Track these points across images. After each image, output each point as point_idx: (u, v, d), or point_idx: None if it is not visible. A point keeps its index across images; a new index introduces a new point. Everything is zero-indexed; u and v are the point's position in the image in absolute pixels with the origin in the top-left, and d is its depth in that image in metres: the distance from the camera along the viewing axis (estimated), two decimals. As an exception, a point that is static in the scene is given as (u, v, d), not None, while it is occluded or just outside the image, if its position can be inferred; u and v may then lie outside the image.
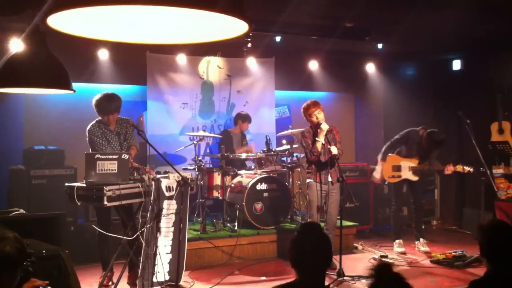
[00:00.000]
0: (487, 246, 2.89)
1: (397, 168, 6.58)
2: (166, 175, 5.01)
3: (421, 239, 6.73)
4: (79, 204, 4.64)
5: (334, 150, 5.52)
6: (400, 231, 6.78)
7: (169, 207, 4.88)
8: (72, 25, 2.04)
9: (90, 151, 5.10)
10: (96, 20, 2.07)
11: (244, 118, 7.53)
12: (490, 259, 2.86)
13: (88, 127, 5.19)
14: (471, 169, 6.24)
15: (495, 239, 2.86)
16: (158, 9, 1.90)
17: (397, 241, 6.68)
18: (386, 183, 6.79)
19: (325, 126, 5.58)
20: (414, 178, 6.54)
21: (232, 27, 2.06)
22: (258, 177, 6.54)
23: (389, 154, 6.63)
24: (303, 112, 5.82)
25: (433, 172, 6.56)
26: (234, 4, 1.86)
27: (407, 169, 6.54)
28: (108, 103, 5.09)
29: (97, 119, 5.23)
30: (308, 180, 5.83)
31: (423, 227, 6.93)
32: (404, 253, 6.52)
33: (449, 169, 6.32)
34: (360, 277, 5.33)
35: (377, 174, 6.72)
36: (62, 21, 1.95)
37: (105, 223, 5.07)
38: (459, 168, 6.27)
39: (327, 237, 2.64)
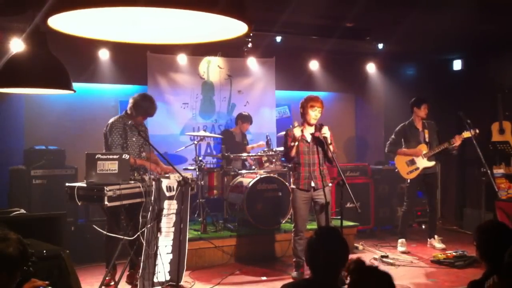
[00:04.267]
0: (486, 247, 2.90)
1: (411, 162, 6.62)
2: (167, 175, 5.01)
3: (435, 236, 6.80)
4: (79, 204, 4.64)
5: (325, 131, 5.21)
6: (405, 230, 6.83)
7: (170, 207, 4.89)
8: (73, 25, 2.04)
9: (104, 149, 5.10)
10: (97, 20, 2.07)
11: (244, 119, 7.52)
12: (489, 260, 2.87)
13: (112, 121, 5.13)
14: (477, 130, 6.26)
15: (493, 240, 2.87)
16: (158, 9, 1.90)
17: (400, 240, 6.70)
18: (408, 181, 6.78)
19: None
20: (431, 164, 6.58)
21: (232, 27, 2.06)
22: (258, 177, 6.54)
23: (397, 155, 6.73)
24: (303, 102, 5.32)
25: (449, 151, 6.56)
26: (234, 5, 1.86)
27: (421, 157, 6.58)
28: (153, 107, 5.21)
29: (121, 115, 5.21)
30: (291, 187, 5.55)
31: (436, 226, 7.00)
32: (405, 253, 6.54)
33: (457, 139, 6.35)
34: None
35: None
36: (62, 22, 1.95)
37: (115, 223, 5.07)
38: (466, 134, 6.30)
39: (344, 241, 2.68)
